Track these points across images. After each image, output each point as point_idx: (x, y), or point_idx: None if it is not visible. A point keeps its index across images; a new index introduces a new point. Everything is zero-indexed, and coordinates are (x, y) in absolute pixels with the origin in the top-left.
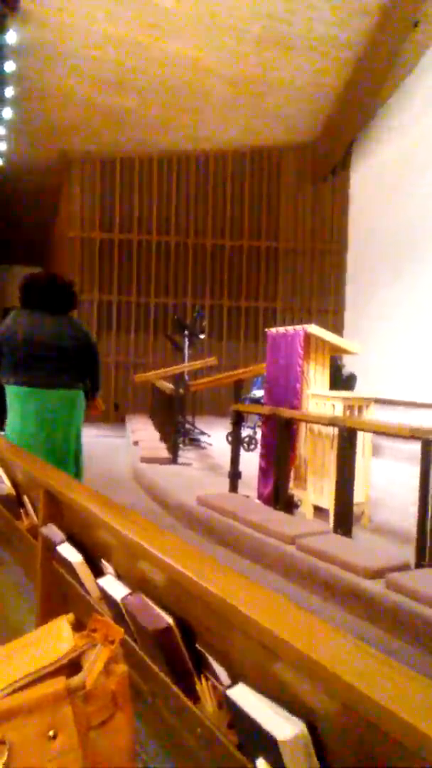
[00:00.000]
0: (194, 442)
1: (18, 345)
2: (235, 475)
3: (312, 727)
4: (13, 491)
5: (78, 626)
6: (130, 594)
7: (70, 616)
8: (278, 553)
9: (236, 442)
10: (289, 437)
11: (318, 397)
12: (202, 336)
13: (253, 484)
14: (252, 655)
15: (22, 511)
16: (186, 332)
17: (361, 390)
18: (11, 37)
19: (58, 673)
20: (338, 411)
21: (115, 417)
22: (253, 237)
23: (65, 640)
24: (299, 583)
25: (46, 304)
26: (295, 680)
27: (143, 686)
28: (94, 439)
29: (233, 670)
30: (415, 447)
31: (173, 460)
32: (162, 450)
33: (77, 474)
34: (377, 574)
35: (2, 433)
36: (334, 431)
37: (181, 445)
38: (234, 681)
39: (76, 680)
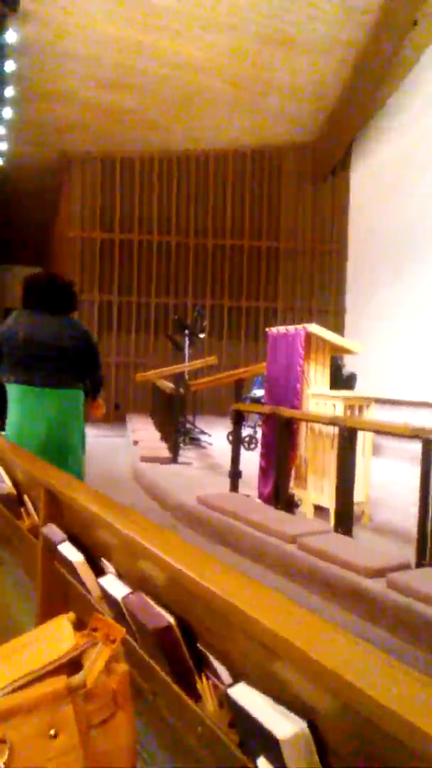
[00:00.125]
0: (194, 442)
1: (18, 345)
2: (235, 475)
3: (313, 726)
4: (13, 491)
5: (79, 625)
6: (131, 593)
7: (71, 615)
8: (279, 553)
9: (237, 441)
10: (290, 437)
11: (318, 396)
12: (202, 336)
13: (253, 483)
14: (253, 654)
15: (22, 510)
16: (186, 332)
17: (361, 390)
18: (11, 36)
19: (59, 672)
20: (339, 410)
21: (116, 416)
22: (254, 237)
23: (66, 639)
24: (300, 583)
25: (47, 305)
26: (296, 679)
27: (144, 685)
28: (94, 438)
29: (234, 669)
30: (417, 447)
31: (174, 459)
32: (162, 449)
33: (78, 474)
34: (378, 573)
35: (2, 432)
36: (334, 431)
37: (181, 445)
38: (235, 680)
39: (76, 679)
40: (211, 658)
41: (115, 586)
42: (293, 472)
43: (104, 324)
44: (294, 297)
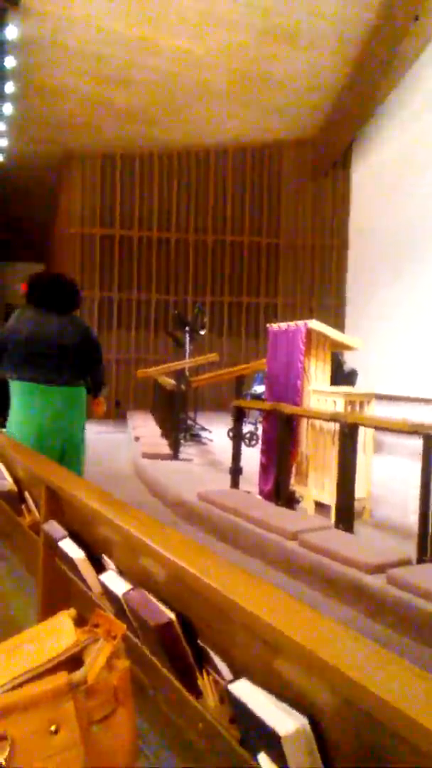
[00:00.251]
0: (195, 438)
1: (22, 342)
2: (236, 471)
3: (314, 723)
4: (14, 487)
5: (80, 621)
6: (132, 589)
7: (72, 612)
8: (279, 549)
9: (237, 438)
10: (291, 433)
11: (319, 392)
12: (203, 332)
13: (254, 479)
14: (253, 650)
15: (23, 507)
16: (187, 328)
17: (361, 385)
18: (11, 32)
19: (60, 669)
20: (339, 407)
21: (117, 413)
22: (254, 233)
23: (67, 635)
24: (301, 579)
25: (50, 303)
26: (297, 675)
27: (145, 681)
28: (95, 435)
29: (235, 665)
30: (418, 443)
31: (174, 456)
32: (163, 446)
33: (79, 470)
34: (378, 569)
35: (3, 429)
36: (335, 427)
37: (182, 441)
38: (236, 676)
39: (77, 675)
40: (212, 654)
41: (116, 582)
42: (294, 469)
43: (104, 320)
44: (294, 294)
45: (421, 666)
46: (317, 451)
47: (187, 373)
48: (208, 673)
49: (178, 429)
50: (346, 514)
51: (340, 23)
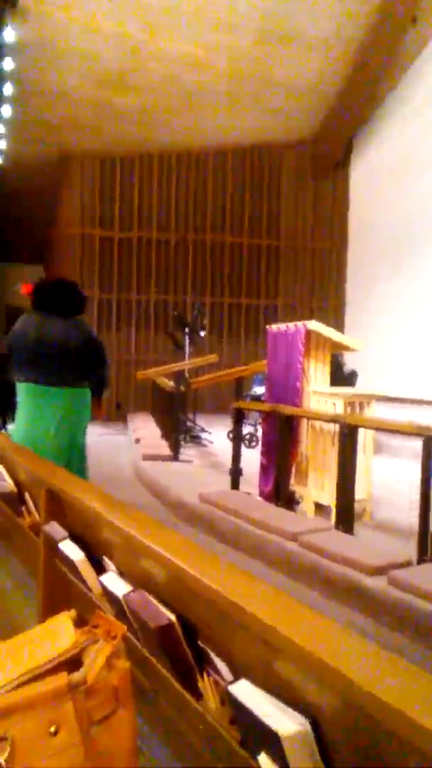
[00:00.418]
0: (195, 440)
1: (28, 345)
2: (236, 473)
3: (314, 723)
4: (14, 489)
5: (80, 622)
6: (132, 591)
7: (72, 613)
8: (280, 550)
9: (237, 439)
10: (290, 434)
11: (319, 394)
12: (202, 333)
13: (254, 481)
14: (254, 651)
15: (23, 509)
16: (186, 329)
17: (360, 385)
18: (9, 34)
19: (60, 669)
20: (339, 408)
21: (117, 414)
22: (254, 234)
23: (67, 636)
24: (301, 580)
25: (54, 307)
26: (297, 676)
27: (145, 683)
28: (96, 437)
29: (235, 666)
30: (418, 444)
31: (175, 457)
32: (163, 447)
33: (82, 470)
34: (379, 570)
35: (8, 428)
36: (335, 428)
37: (182, 443)
38: (236, 677)
39: (77, 676)
40: (213, 656)
41: (116, 583)
42: (294, 470)
43: (104, 321)
44: (294, 294)
45: (422, 667)
46: (317, 453)
47: (187, 375)
48: (209, 675)
49: (178, 430)
50: (346, 515)
51: (338, 24)
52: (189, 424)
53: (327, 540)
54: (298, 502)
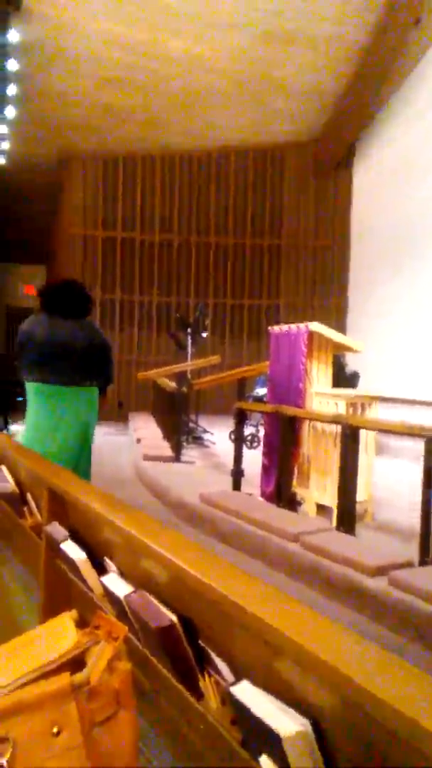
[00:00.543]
0: (197, 441)
1: (36, 345)
2: (238, 473)
3: (315, 724)
4: (16, 489)
5: (81, 623)
6: (134, 592)
7: (74, 613)
8: (281, 551)
9: (239, 440)
10: (292, 435)
11: (321, 395)
12: (204, 334)
13: (256, 482)
14: (255, 652)
15: (25, 509)
16: (189, 330)
17: (362, 387)
18: (13, 35)
19: (62, 670)
20: (341, 409)
21: (119, 414)
22: (256, 235)
23: (68, 636)
24: (302, 581)
25: (61, 308)
26: (299, 677)
27: (146, 683)
28: (97, 437)
29: (236, 667)
30: (420, 445)
31: (176, 458)
32: (165, 448)
33: (88, 470)
34: (380, 571)
35: (13, 428)
36: (337, 429)
37: (184, 444)
38: (237, 678)
39: (79, 677)
40: (214, 656)
41: (117, 584)
42: (296, 471)
43: (106, 322)
44: (296, 295)
45: (423, 668)
46: (319, 454)
47: (189, 376)
48: (210, 675)
49: (180, 431)
50: (347, 516)
51: (341, 26)
52: (191, 425)
53: (328, 541)
54: (299, 503)
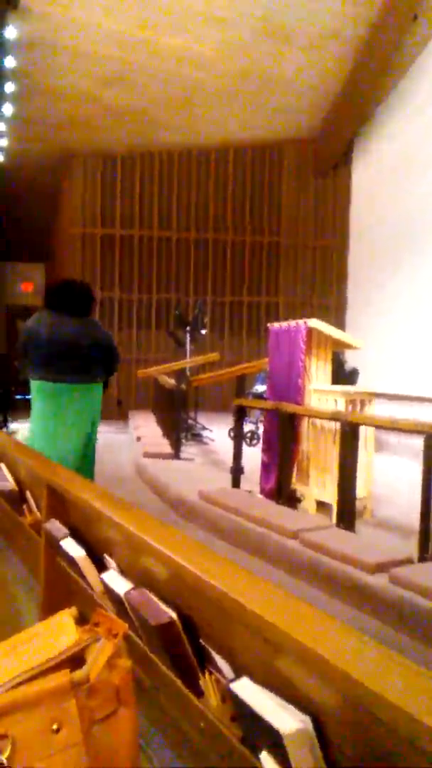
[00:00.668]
0: (196, 438)
1: (42, 343)
2: (237, 470)
3: (316, 721)
4: (16, 487)
5: (81, 620)
6: (133, 589)
7: (74, 610)
8: (281, 548)
9: (238, 437)
10: (292, 432)
11: (320, 392)
12: (203, 332)
13: (255, 479)
14: (255, 649)
15: (24, 506)
16: (188, 328)
17: (361, 384)
18: (11, 32)
19: (62, 667)
20: (340, 406)
21: (119, 412)
22: (255, 232)
23: (68, 634)
24: (302, 578)
25: (66, 306)
26: (299, 674)
27: (146, 680)
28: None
29: (236, 664)
30: (420, 442)
31: (176, 455)
32: (164, 445)
33: (92, 467)
34: (380, 568)
35: (13, 426)
36: (336, 426)
37: (183, 441)
38: (237, 675)
39: (79, 674)
40: (214, 653)
41: (117, 581)
42: (295, 468)
43: (105, 320)
44: (295, 292)
45: (423, 665)
46: (318, 450)
47: (188, 373)
48: (210, 672)
49: (179, 428)
50: (347, 513)
51: (339, 22)
52: (190, 422)
53: (328, 537)
54: (299, 500)
